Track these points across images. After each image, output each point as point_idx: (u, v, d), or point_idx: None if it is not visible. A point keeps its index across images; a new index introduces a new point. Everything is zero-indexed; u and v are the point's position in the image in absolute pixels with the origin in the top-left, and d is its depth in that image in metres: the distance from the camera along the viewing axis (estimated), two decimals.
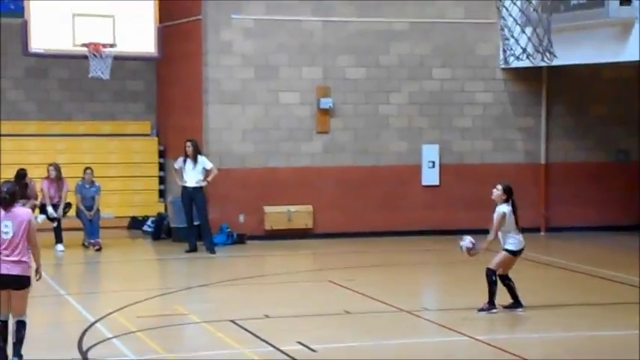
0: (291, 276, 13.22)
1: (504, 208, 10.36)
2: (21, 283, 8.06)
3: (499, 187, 10.50)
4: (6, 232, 8.02)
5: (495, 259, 10.44)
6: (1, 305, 8.15)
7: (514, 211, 10.42)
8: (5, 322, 8.17)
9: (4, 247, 8.03)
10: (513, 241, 10.41)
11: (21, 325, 8.14)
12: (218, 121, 16.03)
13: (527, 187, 17.08)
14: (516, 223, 10.41)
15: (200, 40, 16.05)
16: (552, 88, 17.18)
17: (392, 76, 16.61)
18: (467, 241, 10.39)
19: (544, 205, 17.18)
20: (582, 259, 14.20)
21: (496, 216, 10.38)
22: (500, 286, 10.45)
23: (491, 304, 10.38)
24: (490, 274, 10.39)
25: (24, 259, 8.06)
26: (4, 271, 8.03)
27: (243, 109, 16.10)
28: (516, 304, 10.53)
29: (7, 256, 8.02)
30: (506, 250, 10.44)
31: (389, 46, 16.55)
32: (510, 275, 10.55)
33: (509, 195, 10.44)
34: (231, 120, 16.06)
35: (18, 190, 8.28)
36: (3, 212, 8.09)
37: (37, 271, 8.29)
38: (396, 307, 10.82)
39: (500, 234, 10.41)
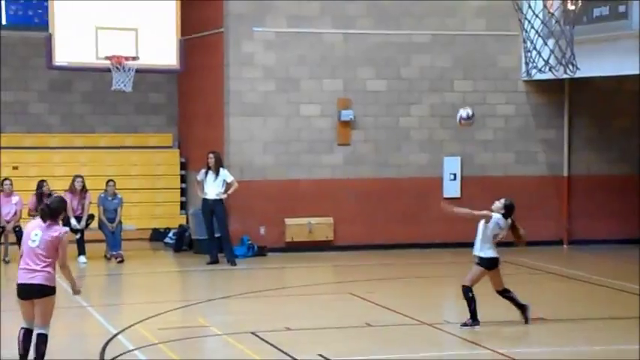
0: (312, 288, 13.20)
1: (496, 216, 10.31)
2: (43, 292, 8.10)
3: (502, 200, 10.47)
4: (33, 241, 8.10)
5: (469, 276, 10.38)
6: (24, 314, 8.22)
7: (512, 230, 10.35)
8: (29, 330, 8.21)
9: (27, 255, 8.10)
10: (487, 249, 10.29)
11: (42, 339, 8.14)
12: (239, 133, 16.08)
13: (549, 200, 17.01)
14: (496, 237, 10.30)
15: (222, 52, 16.13)
16: (575, 100, 17.10)
17: (413, 88, 16.60)
18: (465, 112, 10.53)
19: (567, 217, 17.07)
20: (605, 272, 14.08)
21: (486, 212, 10.33)
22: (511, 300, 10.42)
23: (474, 319, 10.32)
24: (466, 290, 10.33)
25: (47, 269, 8.10)
26: (25, 280, 8.09)
27: (265, 121, 16.14)
28: (523, 308, 10.44)
29: (29, 264, 8.09)
30: (479, 262, 10.32)
31: (410, 58, 16.55)
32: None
33: (507, 212, 10.38)
34: (253, 132, 16.10)
35: (63, 206, 8.39)
36: (38, 221, 8.17)
37: (74, 289, 8.40)
38: (418, 320, 10.78)
39: (478, 242, 10.31)
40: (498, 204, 10.46)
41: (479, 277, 10.40)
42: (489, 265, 10.34)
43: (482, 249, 10.35)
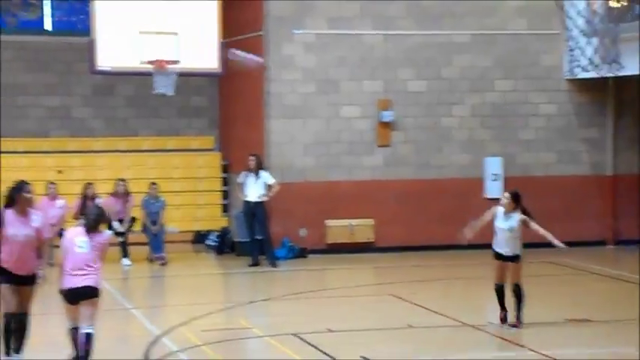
0: (353, 290, 13.20)
1: (522, 216, 10.17)
2: (93, 293, 8.31)
3: (506, 194, 10.36)
4: (81, 247, 8.33)
5: (518, 273, 10.29)
6: (70, 317, 8.38)
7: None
8: (76, 329, 8.37)
9: (75, 261, 8.26)
10: (516, 247, 10.26)
11: (89, 337, 8.30)
12: (280, 135, 16.14)
13: (592, 200, 16.80)
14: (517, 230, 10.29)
15: (262, 55, 16.20)
16: (618, 98, 16.89)
17: (453, 88, 16.53)
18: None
19: (611, 217, 16.85)
20: None
21: (530, 222, 10.15)
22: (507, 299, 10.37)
23: (519, 320, 10.28)
24: (516, 289, 10.28)
25: (97, 272, 8.36)
26: (75, 285, 8.26)
27: (305, 123, 16.18)
28: (519, 313, 10.36)
29: (78, 270, 8.26)
30: (518, 259, 10.28)
31: (450, 58, 16.48)
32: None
33: (517, 202, 10.25)
34: (293, 134, 16.15)
35: (105, 215, 8.74)
36: (80, 229, 8.34)
37: None
38: (460, 321, 10.73)
39: (514, 242, 10.22)
40: (506, 200, 10.25)
41: (519, 271, 10.32)
42: (518, 260, 10.31)
43: (518, 244, 10.25)
